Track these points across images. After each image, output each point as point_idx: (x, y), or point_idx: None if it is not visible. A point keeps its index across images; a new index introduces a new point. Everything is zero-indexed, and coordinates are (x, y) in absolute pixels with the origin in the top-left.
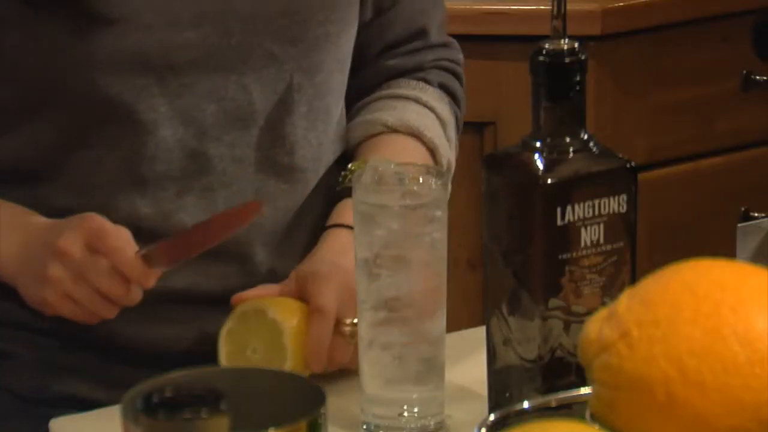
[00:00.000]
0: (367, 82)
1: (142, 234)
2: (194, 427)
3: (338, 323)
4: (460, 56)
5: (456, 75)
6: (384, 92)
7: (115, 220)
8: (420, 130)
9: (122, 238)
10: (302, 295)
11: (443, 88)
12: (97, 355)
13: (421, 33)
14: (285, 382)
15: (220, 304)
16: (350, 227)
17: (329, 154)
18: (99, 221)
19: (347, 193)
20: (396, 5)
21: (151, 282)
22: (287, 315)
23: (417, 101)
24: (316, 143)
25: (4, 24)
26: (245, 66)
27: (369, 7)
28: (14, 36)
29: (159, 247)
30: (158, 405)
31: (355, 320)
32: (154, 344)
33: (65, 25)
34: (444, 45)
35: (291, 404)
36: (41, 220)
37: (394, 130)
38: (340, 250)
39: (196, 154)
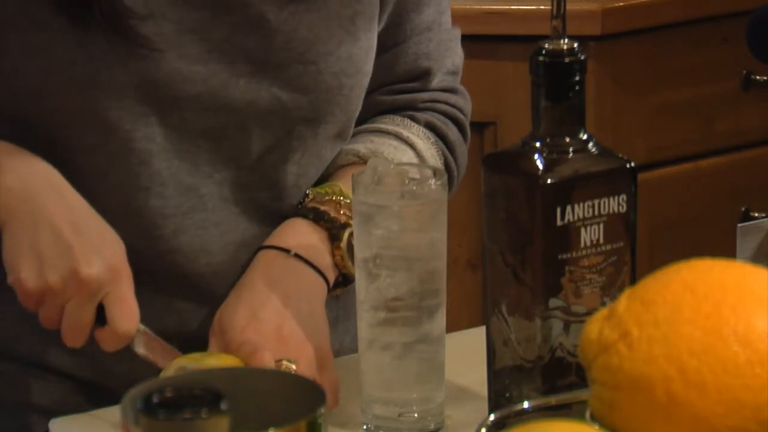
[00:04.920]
0: None
1: (132, 264)
2: (194, 427)
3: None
4: (467, 105)
5: (454, 120)
6: (364, 126)
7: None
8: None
9: (134, 319)
10: (229, 349)
11: (430, 127)
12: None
13: (422, 76)
14: (285, 382)
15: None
16: (284, 249)
17: None
18: (128, 288)
19: (299, 213)
20: (399, 45)
21: (108, 350)
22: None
23: (397, 136)
24: (305, 188)
25: (18, 26)
26: (249, 108)
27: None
28: (23, 39)
29: (156, 344)
30: (158, 405)
31: (286, 361)
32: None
33: (87, 39)
34: (448, 90)
35: (291, 404)
36: (77, 195)
37: (365, 161)
38: (262, 287)
39: (190, 189)
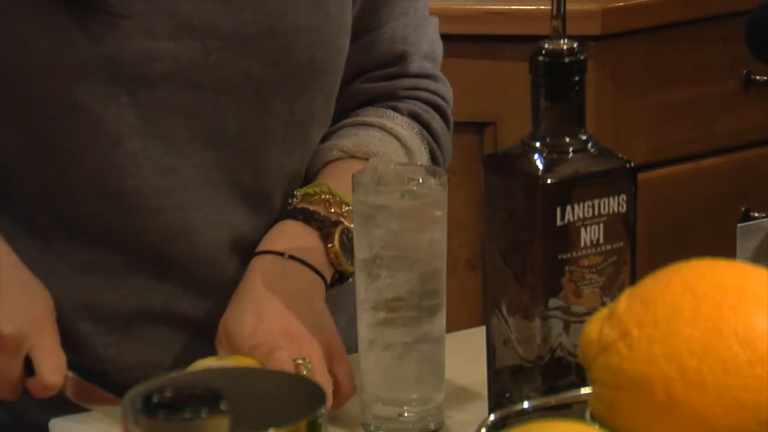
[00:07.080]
0: (337, 106)
1: (114, 245)
2: (194, 427)
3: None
4: (447, 91)
5: (436, 107)
6: (348, 120)
7: (91, 232)
8: (380, 155)
9: (60, 370)
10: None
11: (414, 117)
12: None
13: (399, 60)
14: (285, 382)
15: (202, 329)
16: (278, 253)
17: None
18: (52, 340)
19: (289, 215)
20: (374, 30)
21: (39, 397)
22: None
23: (381, 128)
24: (289, 170)
25: None
26: (221, 84)
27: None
28: None
29: (84, 388)
30: (158, 405)
31: (301, 360)
32: (133, 370)
33: (50, 20)
34: (427, 76)
35: (291, 404)
36: (8, 250)
37: (352, 156)
38: (262, 291)
39: (169, 170)
